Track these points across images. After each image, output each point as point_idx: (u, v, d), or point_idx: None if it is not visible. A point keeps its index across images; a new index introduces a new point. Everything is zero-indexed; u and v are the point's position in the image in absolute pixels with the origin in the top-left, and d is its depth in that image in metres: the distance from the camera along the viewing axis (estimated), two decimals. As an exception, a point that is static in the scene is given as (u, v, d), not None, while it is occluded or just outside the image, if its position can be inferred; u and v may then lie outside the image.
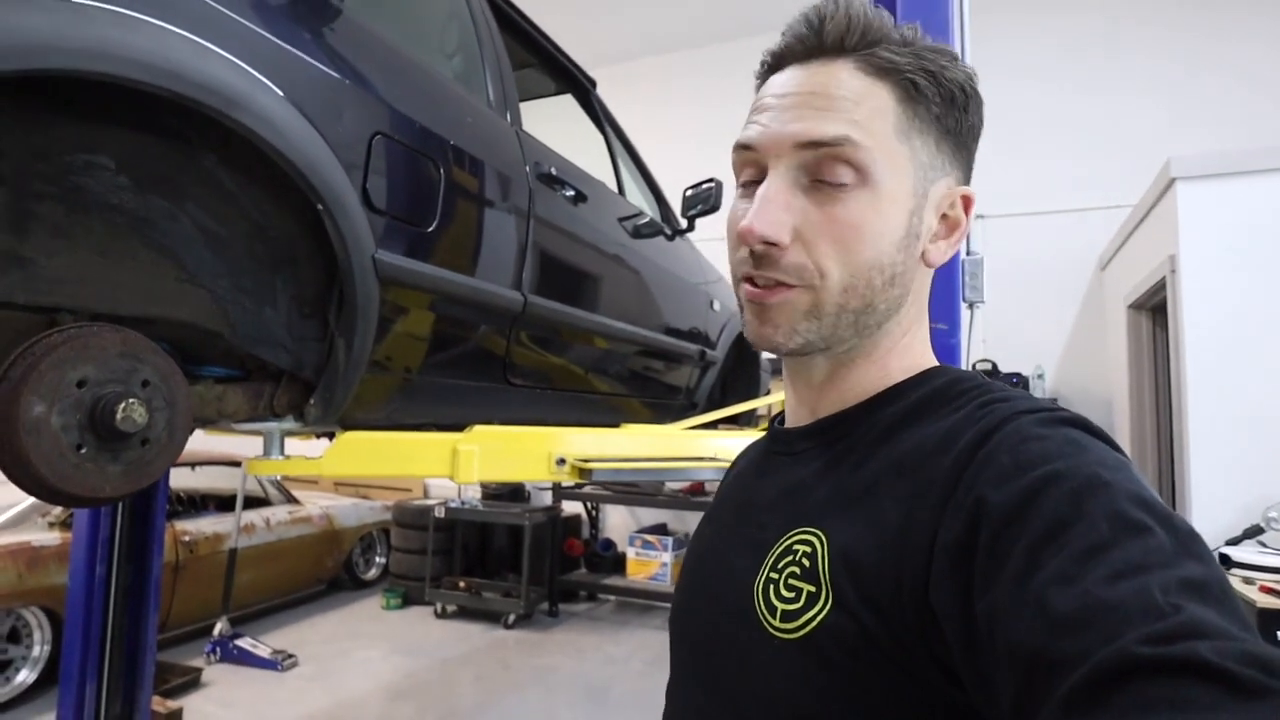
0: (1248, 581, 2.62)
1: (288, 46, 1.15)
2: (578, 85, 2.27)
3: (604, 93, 2.35)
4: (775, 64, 0.57)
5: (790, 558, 0.50)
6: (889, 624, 0.43)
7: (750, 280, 0.54)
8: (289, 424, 1.36)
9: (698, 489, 5.10)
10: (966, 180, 0.58)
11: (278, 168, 1.12)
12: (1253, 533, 2.88)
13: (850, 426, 0.55)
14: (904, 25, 0.55)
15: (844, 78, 0.52)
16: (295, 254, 1.25)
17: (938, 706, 0.42)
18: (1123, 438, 4.45)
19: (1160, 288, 3.44)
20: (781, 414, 0.66)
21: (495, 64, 1.71)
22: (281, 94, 1.10)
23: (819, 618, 0.46)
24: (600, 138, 2.37)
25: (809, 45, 0.54)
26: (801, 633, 0.47)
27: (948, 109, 0.54)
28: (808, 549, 0.49)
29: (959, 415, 0.49)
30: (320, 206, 1.16)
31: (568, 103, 2.38)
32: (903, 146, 0.52)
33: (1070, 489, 0.39)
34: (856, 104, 0.51)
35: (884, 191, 0.52)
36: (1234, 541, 2.90)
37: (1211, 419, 3.02)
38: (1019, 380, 4.75)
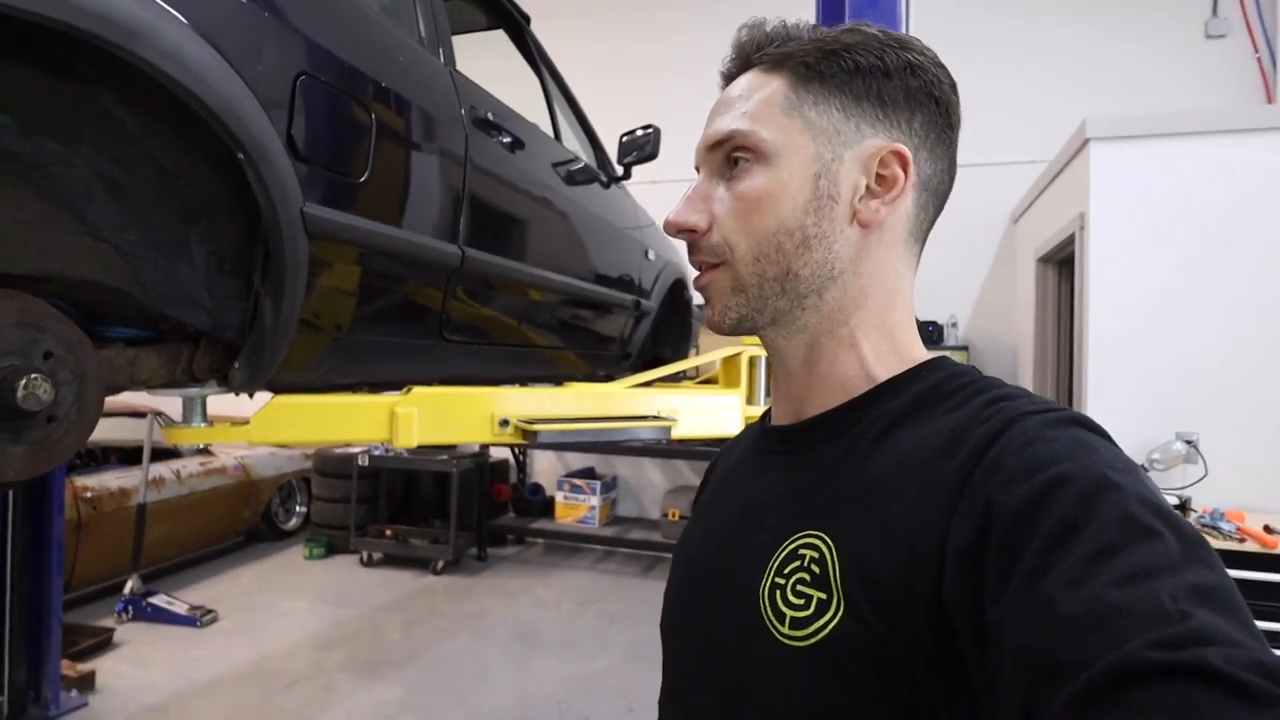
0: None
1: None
2: (511, 20, 2.13)
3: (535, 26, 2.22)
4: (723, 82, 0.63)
5: (797, 563, 0.50)
6: (902, 630, 0.43)
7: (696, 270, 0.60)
8: (211, 389, 1.27)
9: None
10: (931, 141, 0.57)
11: (188, 109, 1.00)
12: (1138, 473, 3.15)
13: (847, 424, 0.55)
14: (836, 28, 0.57)
15: (743, 81, 0.58)
16: (212, 205, 1.14)
17: (949, 716, 0.43)
18: (1025, 384, 4.71)
19: (1069, 243, 3.61)
20: (770, 410, 0.65)
21: (425, -5, 1.58)
22: (191, 26, 0.99)
23: (831, 625, 0.46)
24: (535, 77, 2.25)
25: (735, 64, 0.60)
26: (812, 640, 0.46)
27: (853, 77, 0.55)
28: (815, 554, 0.49)
29: (963, 413, 0.49)
30: (241, 155, 1.05)
31: (497, 38, 2.24)
32: (793, 120, 0.55)
33: (1080, 491, 0.39)
34: (747, 99, 0.57)
35: (780, 162, 0.55)
36: (1121, 481, 3.15)
37: (1107, 368, 3.23)
38: (935, 328, 4.94)
